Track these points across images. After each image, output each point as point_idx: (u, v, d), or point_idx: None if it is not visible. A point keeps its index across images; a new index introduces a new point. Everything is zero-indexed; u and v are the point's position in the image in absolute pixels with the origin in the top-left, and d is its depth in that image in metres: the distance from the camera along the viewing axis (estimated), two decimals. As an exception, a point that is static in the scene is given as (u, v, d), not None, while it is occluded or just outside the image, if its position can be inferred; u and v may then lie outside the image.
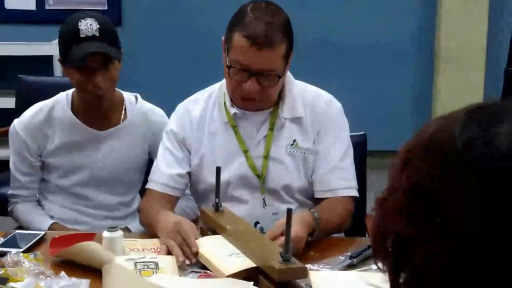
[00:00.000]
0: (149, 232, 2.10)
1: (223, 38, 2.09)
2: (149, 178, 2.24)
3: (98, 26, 2.18)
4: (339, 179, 2.14)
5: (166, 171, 2.19)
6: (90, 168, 2.36)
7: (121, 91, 2.41)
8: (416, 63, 5.29)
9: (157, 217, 2.03)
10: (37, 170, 2.39)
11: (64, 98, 2.36)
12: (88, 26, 2.17)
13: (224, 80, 2.19)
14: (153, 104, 2.47)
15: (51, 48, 4.88)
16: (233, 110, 2.14)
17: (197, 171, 2.19)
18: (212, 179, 2.02)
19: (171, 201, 2.19)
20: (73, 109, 2.34)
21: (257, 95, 2.05)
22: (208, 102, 2.21)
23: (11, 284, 1.69)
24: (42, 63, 4.81)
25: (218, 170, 1.98)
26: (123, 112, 2.38)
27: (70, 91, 2.37)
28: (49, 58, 4.81)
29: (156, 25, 5.18)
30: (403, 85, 5.32)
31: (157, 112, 2.44)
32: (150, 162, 2.37)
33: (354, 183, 2.17)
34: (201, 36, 5.13)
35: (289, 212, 1.65)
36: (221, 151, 2.16)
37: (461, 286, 0.75)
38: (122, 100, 2.39)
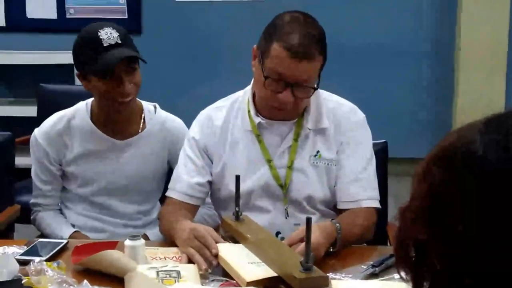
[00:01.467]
0: (168, 240, 2.11)
1: (254, 46, 2.08)
2: (169, 186, 2.24)
3: (118, 33, 2.20)
4: (361, 190, 2.12)
5: (186, 179, 2.19)
6: (109, 177, 2.36)
7: (140, 100, 2.42)
8: (435, 66, 5.26)
9: (175, 227, 2.03)
10: (58, 178, 2.40)
11: (83, 107, 2.37)
12: (108, 35, 2.18)
13: (248, 88, 2.19)
14: (175, 113, 2.47)
15: (72, 57, 4.91)
16: (257, 119, 2.13)
17: (218, 179, 2.18)
18: (234, 187, 2.02)
19: (191, 210, 2.19)
20: (92, 119, 2.36)
21: (289, 106, 2.04)
22: (231, 109, 2.20)
23: None
24: (63, 72, 4.84)
25: (238, 178, 1.98)
26: (141, 121, 2.39)
27: (90, 101, 2.38)
28: (70, 66, 4.81)
29: (175, 34, 5.20)
30: (421, 89, 5.30)
31: (176, 121, 2.44)
32: (169, 171, 2.37)
33: (375, 194, 2.16)
34: (220, 46, 5.14)
35: (309, 221, 1.65)
36: (243, 160, 2.15)
37: None
38: (141, 109, 2.40)
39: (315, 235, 1.81)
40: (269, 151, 2.14)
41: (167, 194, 2.23)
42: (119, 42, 2.19)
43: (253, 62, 2.09)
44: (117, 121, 2.35)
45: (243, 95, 2.20)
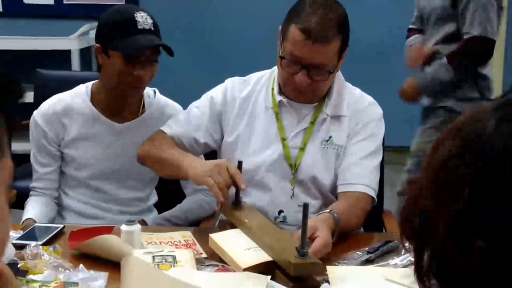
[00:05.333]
0: (152, 162, 2.18)
1: (280, 27, 2.10)
2: (167, 123, 2.25)
3: (152, 21, 2.22)
4: (359, 175, 2.11)
5: (185, 127, 2.21)
6: (107, 160, 2.37)
7: None
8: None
9: (185, 155, 2.06)
10: (57, 159, 2.38)
11: (83, 90, 2.38)
12: (144, 19, 2.21)
13: (276, 67, 2.19)
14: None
15: (69, 43, 4.91)
16: (279, 98, 2.16)
17: (230, 148, 2.20)
18: (244, 159, 2.04)
19: None
20: (92, 101, 2.36)
21: (306, 88, 2.06)
22: (256, 85, 2.23)
23: (31, 276, 1.70)
24: (60, 58, 4.84)
25: (240, 164, 1.99)
26: (141, 105, 2.39)
27: (90, 84, 2.38)
28: (67, 52, 4.84)
29: (170, 23, 5.18)
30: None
31: (175, 106, 2.44)
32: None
33: (370, 182, 2.12)
34: (215, 37, 5.14)
35: (306, 207, 1.66)
36: (259, 134, 2.17)
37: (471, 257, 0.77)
38: (141, 94, 2.40)
39: (326, 233, 1.83)
40: (285, 130, 2.16)
41: (161, 128, 2.24)
42: (152, 29, 2.22)
43: (278, 43, 2.11)
44: (118, 105, 2.35)
45: (271, 73, 2.22)
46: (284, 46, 2.04)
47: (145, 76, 2.23)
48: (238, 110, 2.20)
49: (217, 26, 5.13)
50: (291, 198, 2.14)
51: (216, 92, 2.24)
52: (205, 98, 2.24)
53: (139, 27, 2.19)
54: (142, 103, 2.39)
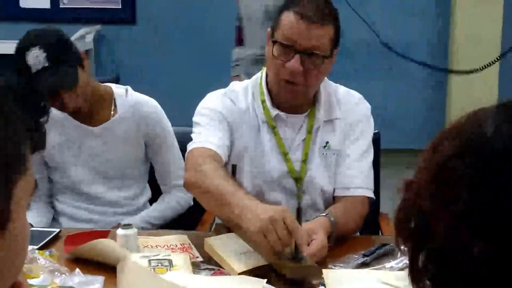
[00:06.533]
0: (198, 193, 1.97)
1: (269, 29, 2.05)
2: (189, 144, 2.07)
3: (45, 53, 2.16)
4: (353, 178, 2.11)
5: (213, 136, 2.05)
6: (88, 164, 2.36)
7: (110, 85, 2.40)
8: (429, 62, 5.28)
9: (234, 196, 1.80)
10: (42, 166, 2.39)
11: None
12: (35, 58, 2.16)
13: (257, 75, 2.15)
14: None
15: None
16: (274, 112, 2.08)
17: (236, 160, 2.10)
18: (253, 177, 2.01)
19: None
20: None
21: (299, 78, 1.98)
22: (246, 95, 2.13)
23: (27, 280, 1.70)
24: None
25: (234, 168, 1.97)
26: (112, 106, 2.37)
27: None
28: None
29: (169, 24, 5.19)
30: (416, 84, 5.31)
31: (149, 103, 2.40)
32: (147, 155, 2.41)
33: (367, 183, 2.12)
34: (214, 36, 5.13)
35: (299, 211, 1.66)
36: (260, 150, 2.10)
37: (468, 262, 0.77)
38: (110, 94, 2.37)
39: (322, 237, 1.82)
40: (285, 144, 2.10)
41: (189, 148, 2.05)
42: (46, 65, 2.16)
43: (268, 43, 2.04)
44: (86, 110, 2.34)
45: (254, 84, 2.14)
46: (276, 34, 1.98)
47: (71, 103, 2.22)
48: (239, 120, 2.11)
49: (217, 26, 5.13)
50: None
51: (215, 103, 2.12)
52: (208, 111, 2.11)
53: (32, 70, 2.16)
54: (114, 104, 2.37)
